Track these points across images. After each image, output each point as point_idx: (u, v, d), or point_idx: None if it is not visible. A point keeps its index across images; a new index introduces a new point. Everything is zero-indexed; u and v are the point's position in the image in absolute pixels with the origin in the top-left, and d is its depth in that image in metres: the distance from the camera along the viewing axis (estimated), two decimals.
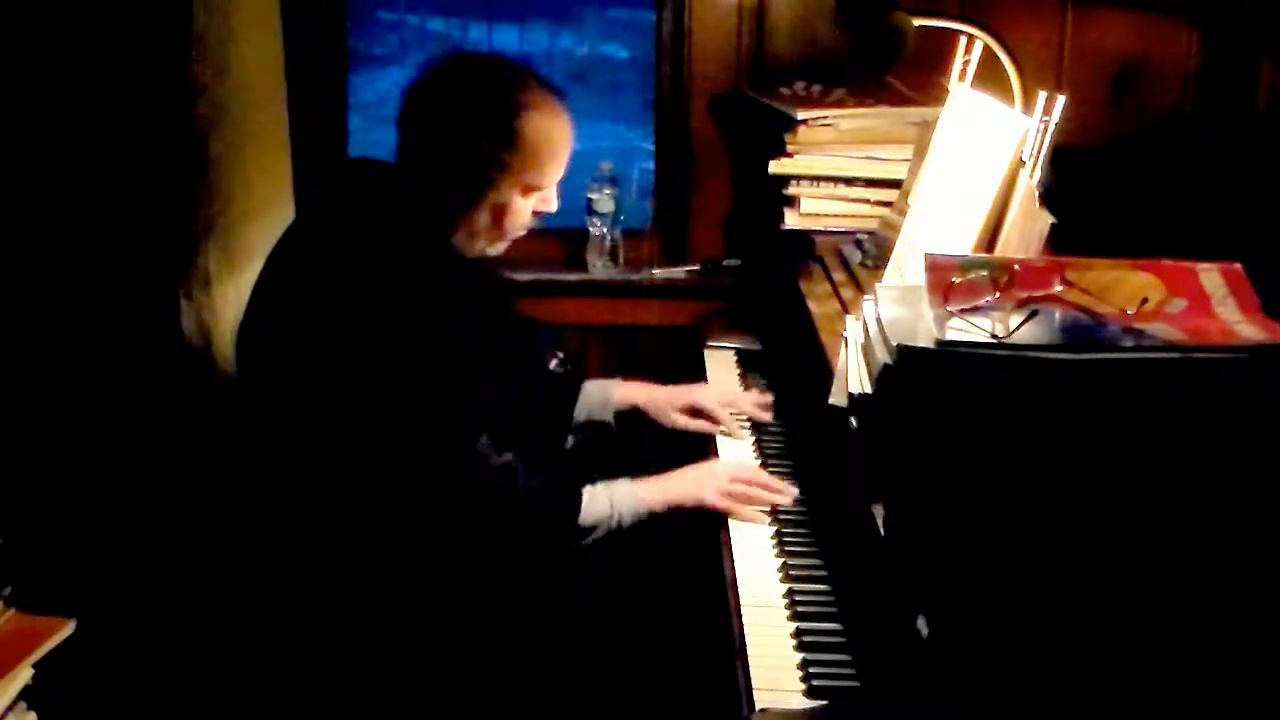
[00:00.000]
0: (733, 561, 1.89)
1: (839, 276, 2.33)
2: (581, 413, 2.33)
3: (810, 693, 1.58)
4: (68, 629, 1.94)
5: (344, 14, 2.96)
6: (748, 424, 2.32)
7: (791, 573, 1.85)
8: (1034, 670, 1.31)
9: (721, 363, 2.61)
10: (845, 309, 2.14)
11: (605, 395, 2.34)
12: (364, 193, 2.07)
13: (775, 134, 2.62)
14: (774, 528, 1.97)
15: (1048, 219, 1.73)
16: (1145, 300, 1.39)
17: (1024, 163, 1.87)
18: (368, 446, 1.91)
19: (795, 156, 2.60)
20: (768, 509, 2.00)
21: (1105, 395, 1.29)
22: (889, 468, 1.41)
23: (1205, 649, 1.31)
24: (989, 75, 2.30)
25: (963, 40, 2.38)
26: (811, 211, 2.61)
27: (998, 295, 1.39)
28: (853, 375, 1.52)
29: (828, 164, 2.59)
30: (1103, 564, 1.30)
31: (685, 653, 2.07)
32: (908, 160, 2.37)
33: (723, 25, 2.82)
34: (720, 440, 2.27)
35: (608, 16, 6.51)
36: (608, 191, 2.85)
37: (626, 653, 2.08)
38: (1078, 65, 2.62)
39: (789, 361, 2.44)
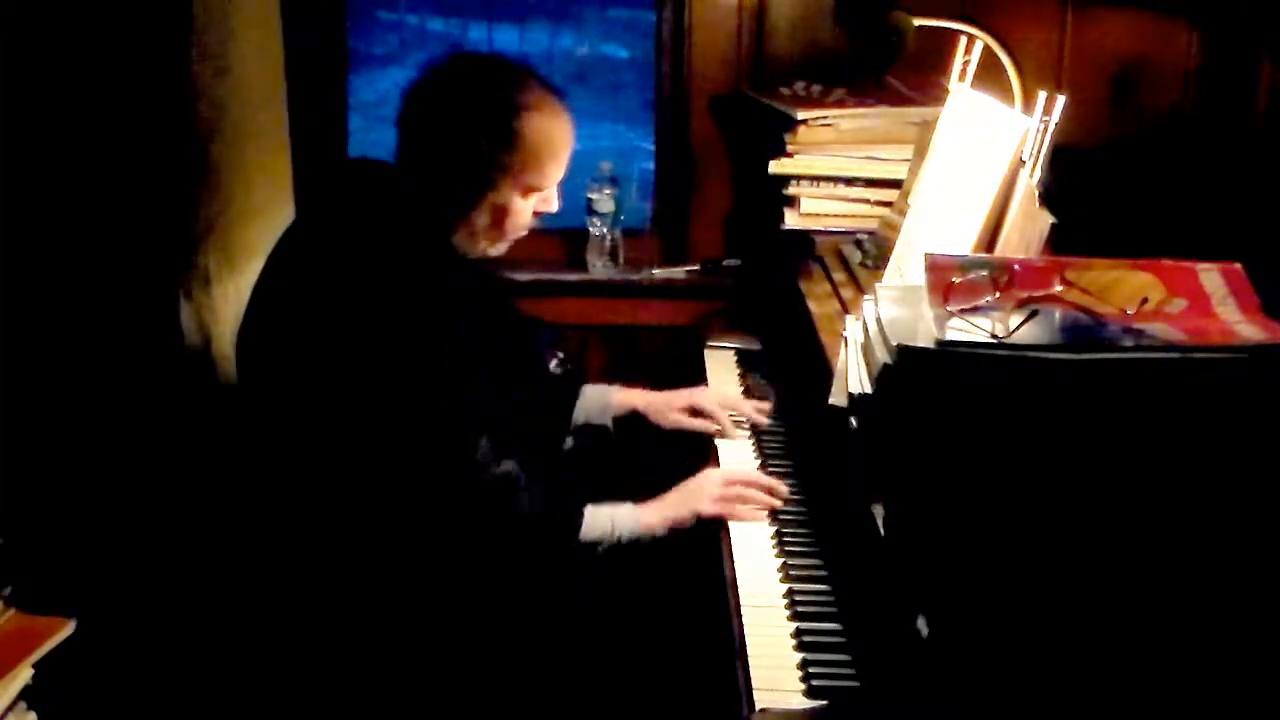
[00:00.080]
0: (733, 561, 1.89)
1: (839, 276, 2.33)
2: (580, 416, 2.33)
3: (810, 693, 1.58)
4: (68, 629, 1.94)
5: (344, 14, 2.96)
6: (747, 427, 2.32)
7: (791, 573, 1.85)
8: (1034, 670, 1.31)
9: (721, 363, 2.60)
10: (845, 309, 2.14)
11: (604, 400, 2.34)
12: (364, 193, 2.07)
13: (775, 134, 2.62)
14: (774, 528, 1.97)
15: (1048, 219, 1.73)
16: (1145, 300, 1.39)
17: (1024, 163, 1.87)
18: (367, 448, 1.91)
19: (795, 156, 2.60)
20: (764, 509, 2.00)
21: (1105, 395, 1.29)
22: (889, 468, 1.41)
23: (1205, 649, 1.31)
24: (989, 75, 2.30)
25: (963, 40, 2.38)
26: (811, 211, 2.61)
27: (998, 295, 1.39)
28: (853, 375, 1.52)
29: (828, 164, 2.59)
30: (1103, 564, 1.30)
31: (685, 653, 2.07)
32: (908, 160, 2.37)
33: (723, 25, 2.82)
34: (719, 442, 2.27)
35: (608, 16, 6.51)
36: (608, 191, 2.85)
37: (626, 653, 2.08)
38: (1078, 65, 2.62)
39: (789, 361, 2.44)
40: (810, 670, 1.61)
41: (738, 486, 2.03)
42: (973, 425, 1.31)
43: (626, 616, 2.13)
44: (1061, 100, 1.80)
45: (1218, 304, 1.40)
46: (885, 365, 1.36)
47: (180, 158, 2.48)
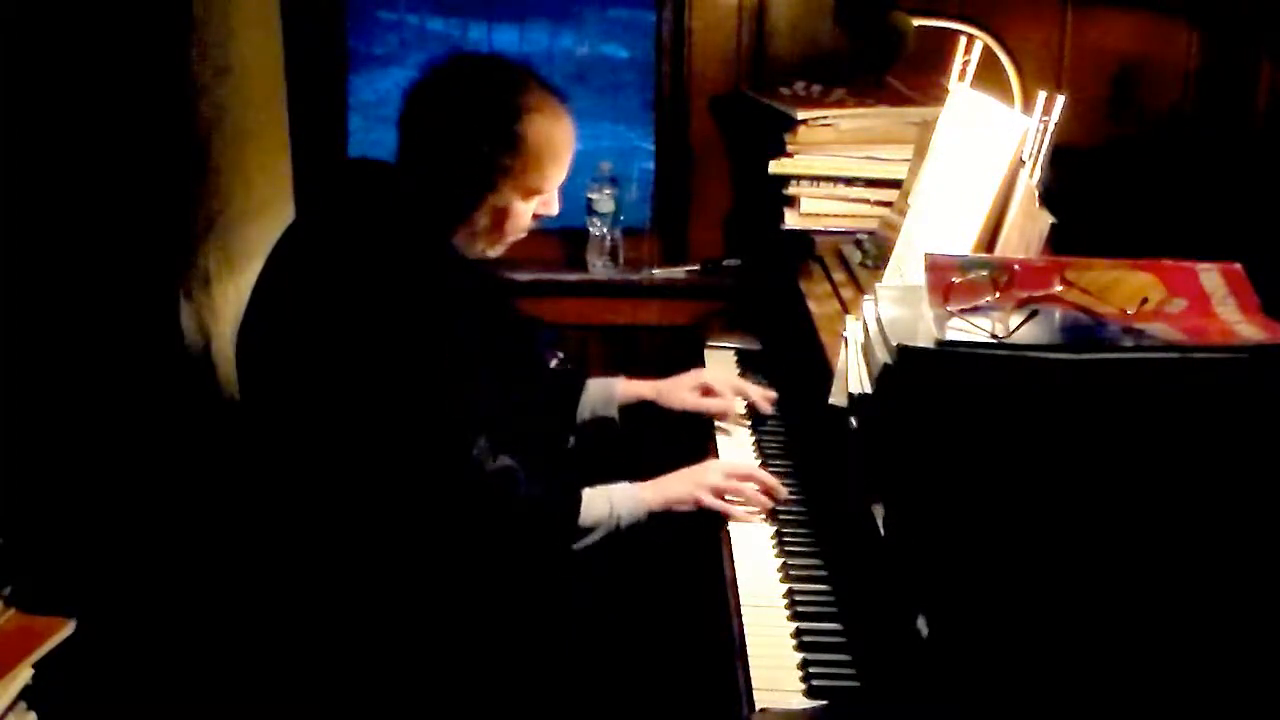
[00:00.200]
0: (733, 561, 1.89)
1: (839, 276, 2.33)
2: (585, 410, 2.34)
3: (810, 693, 1.58)
4: (68, 629, 1.94)
5: (344, 14, 2.96)
6: (748, 423, 2.32)
7: (791, 573, 1.85)
8: (1034, 670, 1.31)
9: (721, 363, 2.61)
10: (845, 309, 2.14)
11: (609, 392, 2.35)
12: (364, 193, 2.07)
13: (775, 134, 2.62)
14: (774, 528, 1.97)
15: (1048, 219, 1.73)
16: (1145, 300, 1.39)
17: (1024, 163, 1.87)
18: (366, 448, 1.91)
19: (795, 156, 2.60)
20: (760, 509, 2.01)
21: (1105, 395, 1.29)
22: (889, 468, 1.41)
23: (1205, 648, 1.31)
24: (989, 75, 2.30)
25: (963, 40, 2.38)
26: (811, 211, 2.61)
27: (998, 295, 1.39)
28: (853, 375, 1.52)
29: (828, 164, 2.59)
30: (1103, 564, 1.30)
31: (685, 653, 2.07)
32: (908, 160, 2.37)
33: (723, 25, 2.82)
34: (720, 439, 2.28)
35: (608, 16, 6.51)
36: (608, 191, 2.85)
37: (626, 653, 2.08)
38: (1078, 65, 2.62)
39: (789, 361, 2.44)
40: (810, 670, 1.61)
41: (736, 480, 2.04)
42: (973, 425, 1.31)
43: (627, 616, 2.13)
44: (1061, 100, 1.80)
45: (1218, 304, 1.40)
46: (885, 365, 1.36)
47: (180, 158, 2.48)
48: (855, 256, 2.36)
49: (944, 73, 2.47)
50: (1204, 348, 1.31)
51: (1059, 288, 1.41)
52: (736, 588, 1.81)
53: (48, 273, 2.49)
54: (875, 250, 2.31)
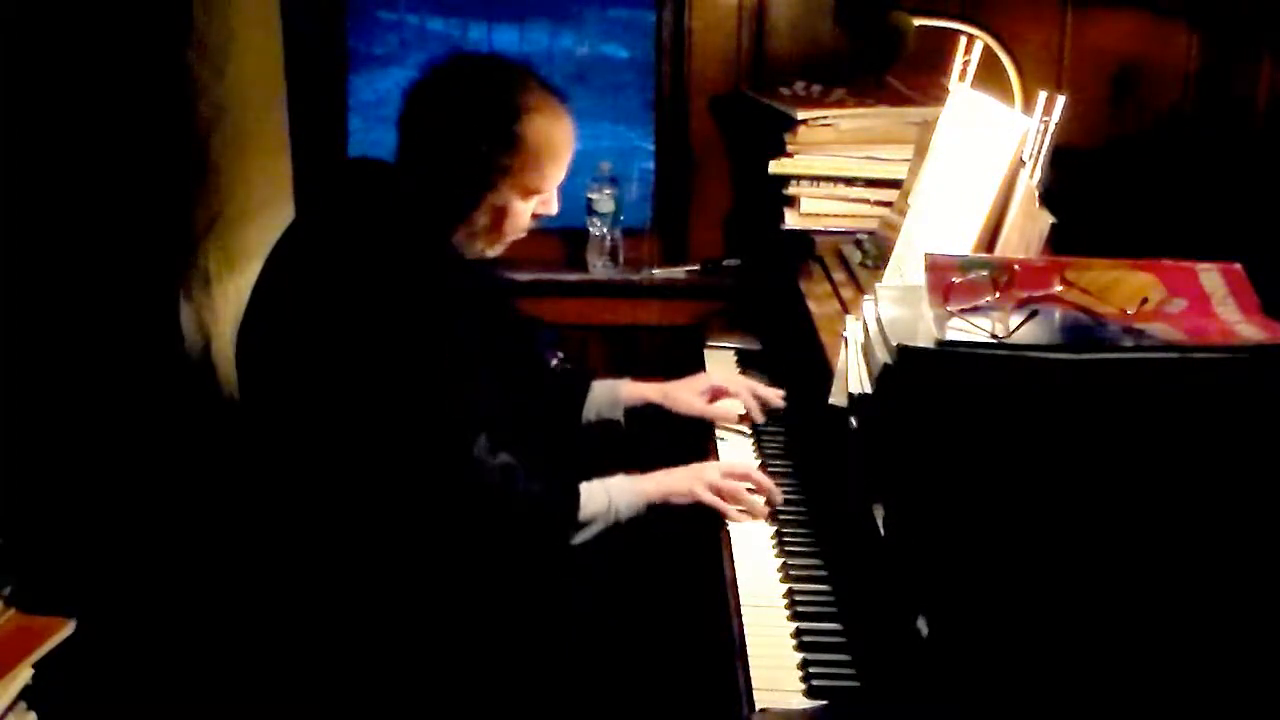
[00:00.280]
0: (733, 561, 1.89)
1: (839, 276, 2.33)
2: (590, 412, 2.34)
3: (810, 693, 1.58)
4: (68, 629, 1.94)
5: (344, 14, 2.96)
6: (748, 424, 2.32)
7: (791, 573, 1.85)
8: (1034, 670, 1.31)
9: (721, 363, 2.61)
10: (845, 309, 2.14)
11: (614, 394, 2.34)
12: (364, 193, 2.07)
13: (775, 134, 2.62)
14: (774, 528, 1.97)
15: (1048, 219, 1.73)
16: (1145, 300, 1.39)
17: (1024, 163, 1.87)
18: (366, 447, 1.91)
19: (795, 156, 2.60)
20: (757, 515, 2.00)
21: (1105, 395, 1.29)
22: (889, 468, 1.41)
23: (1205, 649, 1.31)
24: (989, 75, 2.30)
25: (963, 40, 2.38)
26: (811, 211, 2.61)
27: (998, 295, 1.39)
28: (853, 375, 1.52)
29: (828, 164, 2.59)
30: (1103, 564, 1.30)
31: (685, 653, 2.07)
32: (908, 160, 2.37)
33: (723, 25, 2.82)
34: (720, 440, 2.27)
35: (608, 16, 6.50)
36: (608, 191, 2.85)
37: (626, 654, 2.08)
38: (1078, 65, 2.62)
39: (789, 361, 2.44)
40: (810, 670, 1.61)
41: (733, 482, 2.04)
42: (973, 425, 1.31)
43: (627, 616, 2.13)
44: (1061, 100, 1.80)
45: (1218, 304, 1.40)
46: (885, 365, 1.36)
47: (180, 158, 2.48)
48: (855, 256, 2.36)
49: (944, 73, 2.47)
50: (1204, 348, 1.31)
51: (1059, 288, 1.41)
52: (736, 588, 1.81)
53: (48, 273, 2.49)
54: (875, 250, 2.31)
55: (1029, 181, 1.84)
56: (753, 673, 1.61)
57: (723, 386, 2.35)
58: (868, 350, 1.48)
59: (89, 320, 2.50)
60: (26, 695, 1.92)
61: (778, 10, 2.80)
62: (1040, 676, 1.31)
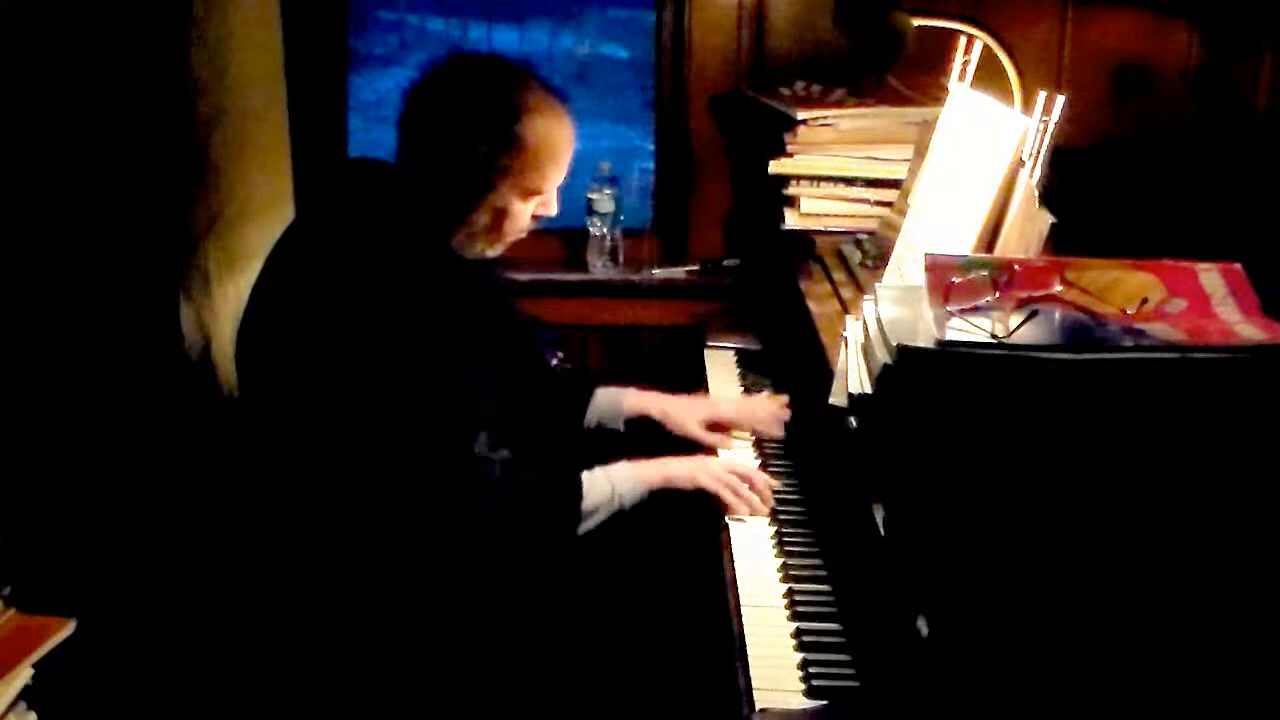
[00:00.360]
0: (733, 561, 1.89)
1: (839, 276, 2.33)
2: (592, 419, 2.34)
3: (810, 693, 1.58)
4: (68, 629, 1.93)
5: (344, 14, 2.96)
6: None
7: (791, 573, 1.85)
8: (1034, 670, 1.31)
9: (721, 363, 2.60)
10: (845, 309, 2.14)
11: (617, 403, 2.33)
12: (363, 193, 2.07)
13: (775, 134, 2.62)
14: (774, 528, 1.97)
15: (1048, 219, 1.73)
16: (1145, 300, 1.39)
17: (1024, 163, 1.87)
18: (366, 447, 1.90)
19: (795, 156, 2.60)
20: (756, 511, 2.01)
21: (1105, 395, 1.29)
22: (889, 468, 1.42)
23: (1205, 648, 1.31)
24: (989, 75, 2.30)
25: (963, 40, 2.38)
26: (811, 211, 2.61)
27: (998, 295, 1.39)
28: (853, 375, 1.52)
29: (828, 164, 2.59)
30: (1103, 564, 1.30)
31: (685, 653, 2.07)
32: (908, 160, 2.37)
33: (723, 25, 2.82)
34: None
35: (608, 16, 6.50)
36: (608, 191, 2.85)
37: (626, 653, 2.08)
38: (1078, 65, 2.62)
39: (789, 361, 2.44)
40: (810, 670, 1.61)
41: (735, 478, 2.05)
42: (973, 425, 1.31)
43: (627, 616, 2.13)
44: (1061, 100, 1.80)
45: (1218, 304, 1.40)
46: (885, 365, 1.36)
47: (180, 158, 2.48)
48: (855, 256, 2.36)
49: (944, 73, 2.47)
50: (1204, 348, 1.31)
51: (1059, 288, 1.41)
52: (736, 588, 1.81)
53: (48, 273, 2.49)
54: (875, 250, 2.31)
55: (1029, 181, 1.84)
56: (753, 672, 1.61)
57: (725, 419, 2.31)
58: (868, 350, 1.48)
59: (89, 320, 2.50)
60: (26, 695, 1.92)
61: (778, 10, 2.80)
62: (1040, 676, 1.31)
